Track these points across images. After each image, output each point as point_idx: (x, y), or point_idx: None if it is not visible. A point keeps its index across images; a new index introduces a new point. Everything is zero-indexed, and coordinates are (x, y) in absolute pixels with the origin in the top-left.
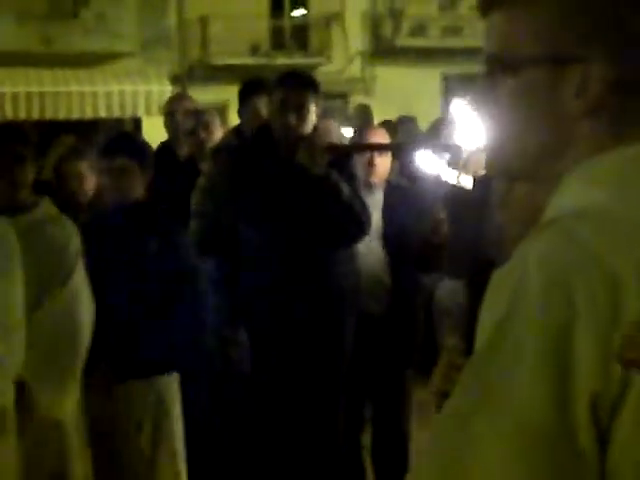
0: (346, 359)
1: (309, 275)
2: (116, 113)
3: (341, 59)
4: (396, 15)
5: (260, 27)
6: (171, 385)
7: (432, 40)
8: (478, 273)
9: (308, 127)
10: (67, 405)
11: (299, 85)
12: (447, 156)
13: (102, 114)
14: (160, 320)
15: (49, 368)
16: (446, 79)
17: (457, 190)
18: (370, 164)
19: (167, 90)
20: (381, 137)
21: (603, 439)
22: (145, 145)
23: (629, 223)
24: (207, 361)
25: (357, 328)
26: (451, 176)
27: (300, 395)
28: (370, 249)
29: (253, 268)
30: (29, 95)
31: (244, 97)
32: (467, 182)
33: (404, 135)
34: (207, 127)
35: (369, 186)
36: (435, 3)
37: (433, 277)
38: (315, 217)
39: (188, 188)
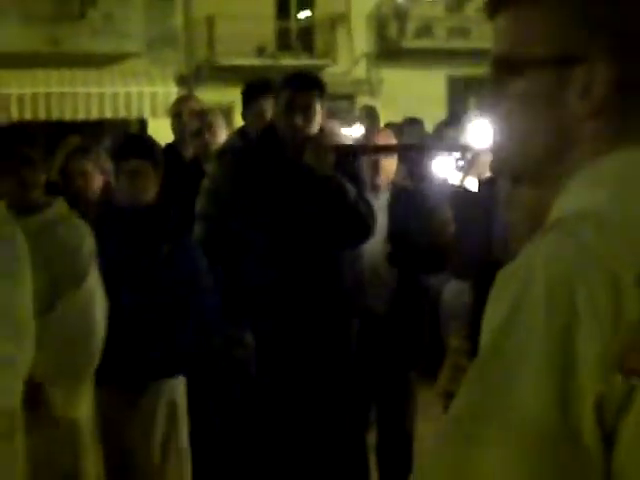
0: (351, 360)
1: (314, 276)
2: (122, 114)
3: (347, 61)
4: (402, 16)
5: (266, 28)
6: (180, 387)
7: (438, 41)
8: (484, 274)
9: (314, 128)
10: (81, 405)
11: (305, 86)
12: (452, 158)
13: (108, 115)
14: (171, 323)
15: (64, 369)
16: (452, 81)
17: (463, 191)
18: (376, 166)
19: (173, 91)
20: (387, 139)
21: (609, 440)
22: (158, 147)
23: (630, 225)
24: (212, 362)
25: (362, 328)
26: (457, 178)
27: (305, 396)
28: (375, 250)
29: (258, 269)
30: (35, 96)
31: (248, 98)
32: (472, 184)
33: (410, 137)
34: (211, 128)
35: (375, 187)
36: (441, 4)
37: (440, 278)
38: (320, 218)
39: (193, 189)
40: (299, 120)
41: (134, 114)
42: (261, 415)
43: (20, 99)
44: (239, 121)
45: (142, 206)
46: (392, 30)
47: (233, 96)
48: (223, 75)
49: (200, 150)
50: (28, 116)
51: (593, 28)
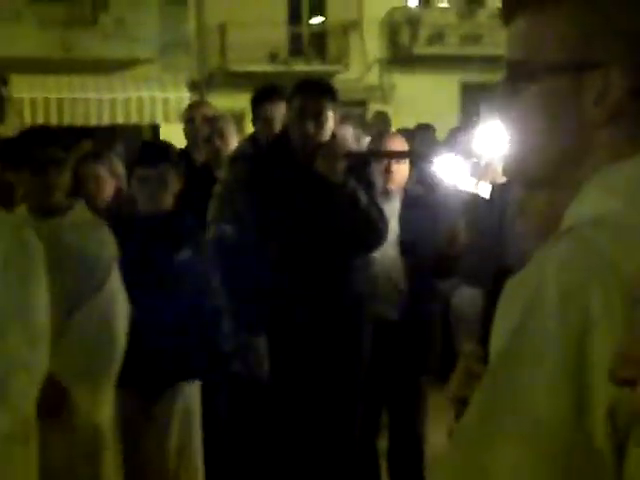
0: (363, 365)
1: (326, 282)
2: (134, 119)
3: (359, 67)
4: (414, 23)
5: (278, 35)
6: (195, 391)
7: (450, 48)
8: (496, 281)
9: (326, 134)
10: (104, 410)
11: (317, 92)
12: (465, 164)
13: (120, 120)
14: (186, 328)
15: (86, 372)
16: (464, 87)
17: (475, 197)
18: (388, 171)
19: (185, 96)
20: (399, 145)
21: (622, 448)
22: (178, 153)
23: None
24: (224, 366)
25: (373, 334)
26: (469, 184)
27: (317, 401)
28: (387, 256)
29: (270, 275)
30: (47, 101)
31: (255, 105)
32: (485, 190)
33: (422, 143)
34: (222, 134)
35: (386, 193)
36: (453, 11)
37: (451, 283)
38: (332, 225)
39: (204, 195)
40: (311, 127)
41: (146, 119)
42: (273, 420)
43: (32, 104)
44: (251, 127)
45: (162, 212)
46: (404, 36)
47: (245, 102)
48: (235, 81)
49: (211, 156)
50: (40, 121)
51: (608, 34)
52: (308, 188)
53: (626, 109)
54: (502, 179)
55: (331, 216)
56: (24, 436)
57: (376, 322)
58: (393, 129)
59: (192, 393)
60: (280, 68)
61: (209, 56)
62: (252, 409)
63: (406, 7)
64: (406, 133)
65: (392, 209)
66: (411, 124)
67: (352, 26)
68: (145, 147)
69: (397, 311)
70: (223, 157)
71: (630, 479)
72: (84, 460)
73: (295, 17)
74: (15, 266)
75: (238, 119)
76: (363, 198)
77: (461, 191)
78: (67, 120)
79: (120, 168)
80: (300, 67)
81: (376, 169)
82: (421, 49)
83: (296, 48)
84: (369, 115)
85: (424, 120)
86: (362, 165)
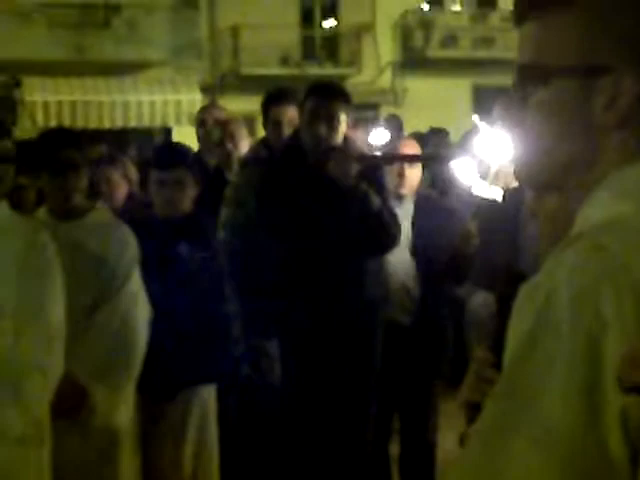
0: (375, 369)
1: (338, 286)
2: (146, 122)
3: (371, 70)
4: (427, 26)
5: (291, 38)
6: (211, 393)
7: (463, 51)
8: (508, 284)
9: (338, 138)
10: (123, 411)
11: (329, 95)
12: (478, 168)
13: (132, 123)
14: (201, 332)
15: (106, 373)
16: (477, 90)
17: (488, 201)
18: (400, 175)
19: (198, 99)
20: (412, 148)
21: (637, 453)
22: (198, 156)
23: None
24: (235, 370)
25: (386, 338)
26: (482, 188)
27: (328, 406)
28: (399, 260)
29: (282, 279)
30: (60, 104)
31: (265, 108)
32: (497, 194)
33: (434, 146)
34: (233, 137)
35: (399, 197)
36: (466, 14)
37: (466, 288)
38: (344, 228)
39: (216, 198)
40: (323, 130)
41: (158, 122)
42: (285, 424)
43: (45, 107)
44: (263, 130)
45: (179, 215)
46: (417, 40)
47: (257, 105)
48: (247, 84)
49: (223, 159)
50: (53, 124)
51: (620, 39)
52: (320, 191)
53: (636, 114)
54: (515, 183)
55: (343, 219)
56: (38, 438)
57: (388, 326)
58: (405, 132)
59: (208, 396)
60: (292, 71)
61: (221, 59)
62: (264, 413)
63: (419, 10)
64: (419, 137)
65: (405, 213)
66: (423, 127)
67: (365, 29)
68: (162, 150)
69: (409, 315)
70: (235, 160)
71: None
72: (101, 461)
73: (308, 20)
74: (30, 268)
75: (250, 122)
76: (375, 201)
77: (474, 195)
78: (80, 123)
79: (133, 171)
80: (312, 70)
81: (389, 173)
82: (434, 52)
83: (308, 51)
84: (381, 118)
85: (436, 123)
86: (374, 168)
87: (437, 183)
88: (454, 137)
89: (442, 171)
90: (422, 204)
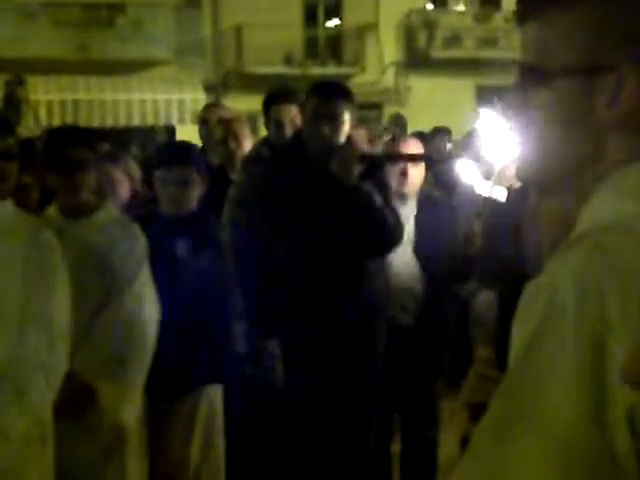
0: (377, 369)
1: (340, 286)
2: (150, 121)
3: (375, 70)
4: (430, 26)
5: (294, 37)
6: (218, 393)
7: (466, 51)
8: (511, 284)
9: (341, 137)
10: (130, 410)
11: (333, 95)
12: (481, 167)
13: (136, 122)
14: (207, 331)
15: (114, 371)
16: (480, 90)
17: (491, 201)
18: (403, 174)
19: (201, 98)
20: (415, 147)
21: None
22: (202, 155)
23: None
24: (238, 369)
25: (388, 338)
26: (485, 187)
27: (330, 405)
28: (402, 259)
29: (284, 278)
30: (63, 102)
31: (265, 108)
32: (501, 194)
33: (437, 146)
34: (236, 136)
35: (402, 196)
36: (470, 14)
37: (470, 287)
38: (346, 227)
39: (218, 197)
40: (326, 129)
41: (162, 121)
42: (287, 423)
43: (49, 105)
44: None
45: (185, 214)
46: (421, 39)
47: (260, 105)
48: (251, 83)
49: (226, 158)
50: (56, 122)
51: (621, 38)
52: (322, 190)
53: (639, 113)
54: (518, 183)
55: (345, 219)
56: (41, 437)
57: (390, 325)
58: (408, 132)
59: (215, 395)
60: (296, 71)
61: (225, 58)
62: (266, 412)
63: (422, 10)
64: (422, 136)
65: (408, 212)
66: (426, 127)
67: (368, 29)
68: (169, 148)
69: (412, 315)
70: (238, 159)
71: None
72: (107, 459)
73: (311, 19)
74: (34, 267)
75: (253, 121)
76: (378, 201)
77: (477, 194)
78: (83, 121)
79: (135, 170)
80: (316, 70)
81: (391, 172)
82: (437, 52)
83: (312, 51)
84: (385, 118)
85: (439, 123)
86: (377, 168)
87: (440, 182)
88: (457, 136)
89: (445, 170)
90: (425, 203)
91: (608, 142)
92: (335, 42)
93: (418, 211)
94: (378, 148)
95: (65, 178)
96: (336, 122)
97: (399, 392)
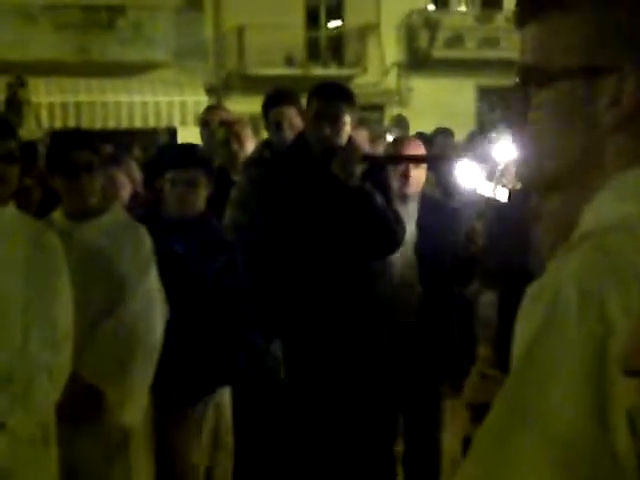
0: (380, 370)
1: (343, 286)
2: (151, 123)
3: (376, 70)
4: (432, 26)
5: (296, 38)
6: (226, 396)
7: (468, 52)
8: (513, 285)
9: (343, 138)
10: (136, 411)
11: (334, 96)
12: (483, 168)
13: (138, 124)
14: (221, 335)
15: (119, 373)
16: (482, 91)
17: (493, 202)
18: (405, 175)
19: (203, 100)
20: (417, 149)
21: None
22: (209, 157)
23: None
24: (245, 371)
25: (391, 339)
26: (487, 188)
27: (334, 406)
28: (404, 260)
29: (287, 279)
30: (65, 105)
31: (265, 110)
32: (503, 194)
33: (439, 147)
34: (238, 138)
35: (403, 197)
36: (471, 15)
37: (473, 288)
38: (349, 228)
39: (221, 199)
40: (327, 130)
41: (164, 123)
42: (290, 425)
43: (50, 108)
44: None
45: (192, 215)
46: (422, 40)
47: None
48: (252, 85)
49: (227, 160)
50: (58, 125)
51: (621, 39)
52: (324, 192)
53: (639, 114)
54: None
55: (347, 220)
56: (44, 439)
57: (393, 326)
58: (410, 133)
59: (223, 397)
60: (297, 72)
61: (226, 60)
62: (269, 412)
63: (424, 11)
64: (424, 137)
65: (410, 213)
66: (428, 128)
67: (370, 30)
68: (177, 150)
69: (414, 316)
70: (239, 161)
71: None
72: (112, 460)
73: (313, 21)
74: (37, 269)
75: (255, 123)
76: (379, 202)
77: (479, 195)
78: (85, 124)
79: (137, 172)
80: (317, 71)
81: (393, 173)
82: (439, 53)
83: (313, 52)
84: (386, 119)
85: (441, 124)
86: (379, 169)
87: (442, 183)
88: (459, 137)
89: (447, 171)
90: (427, 204)
91: (609, 143)
92: (337, 43)
93: (420, 212)
94: (380, 149)
95: (71, 181)
96: (337, 123)
97: (403, 392)
